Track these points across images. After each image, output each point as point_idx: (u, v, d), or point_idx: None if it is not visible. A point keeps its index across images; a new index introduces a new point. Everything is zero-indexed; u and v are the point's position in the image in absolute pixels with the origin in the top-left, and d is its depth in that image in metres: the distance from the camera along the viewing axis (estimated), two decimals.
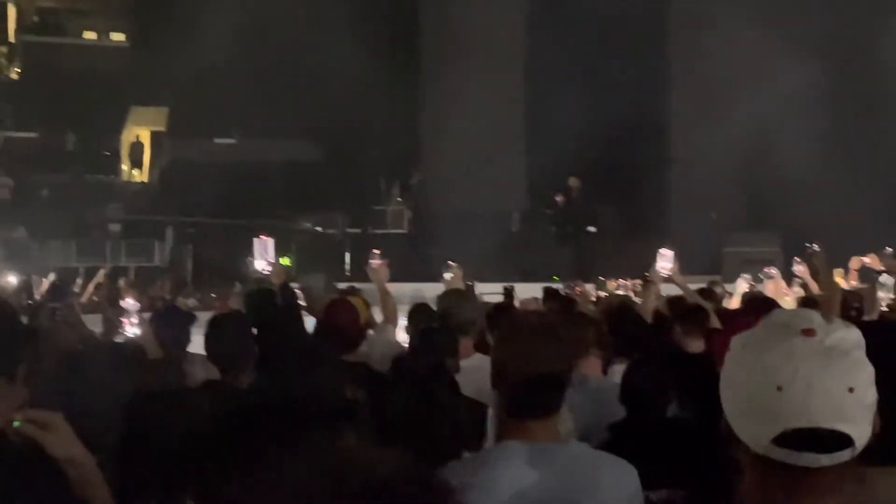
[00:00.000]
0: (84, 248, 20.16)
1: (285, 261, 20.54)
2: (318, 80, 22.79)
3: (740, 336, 1.65)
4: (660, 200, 19.93)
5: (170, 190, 23.55)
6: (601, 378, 4.71)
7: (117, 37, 26.90)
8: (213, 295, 13.65)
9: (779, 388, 1.54)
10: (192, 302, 13.85)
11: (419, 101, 22.07)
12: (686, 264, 17.13)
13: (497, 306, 6.65)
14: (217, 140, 24.51)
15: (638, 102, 18.47)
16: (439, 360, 4.12)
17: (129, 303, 4.74)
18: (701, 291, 7.34)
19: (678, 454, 3.60)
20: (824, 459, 1.55)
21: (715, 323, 6.00)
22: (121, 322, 4.65)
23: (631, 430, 3.70)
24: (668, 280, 6.52)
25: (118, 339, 4.73)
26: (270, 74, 23.43)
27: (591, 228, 18.08)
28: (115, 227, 21.16)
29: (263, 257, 5.54)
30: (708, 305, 6.24)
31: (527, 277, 15.32)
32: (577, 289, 11.57)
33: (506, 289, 7.64)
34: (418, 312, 6.52)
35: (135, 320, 4.63)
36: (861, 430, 1.55)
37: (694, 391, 3.76)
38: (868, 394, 1.56)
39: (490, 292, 9.91)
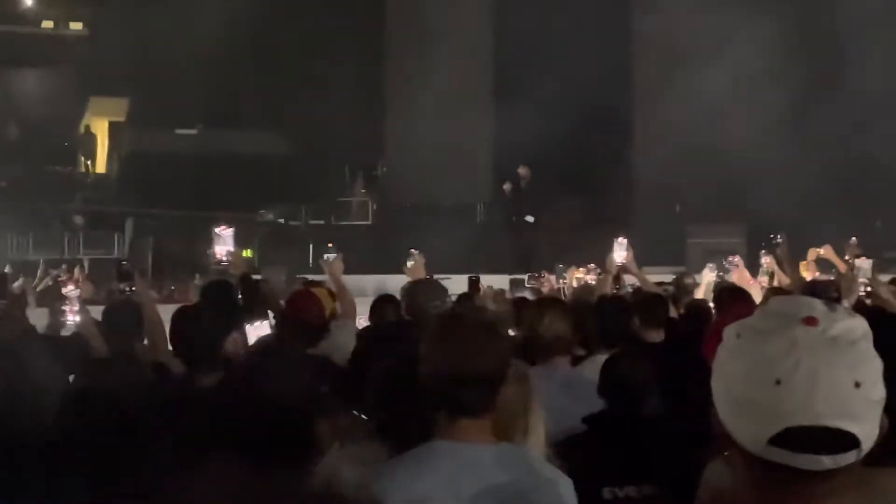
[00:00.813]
0: (41, 240, 19.81)
1: (248, 253, 20.34)
2: (282, 71, 22.56)
3: (735, 325, 1.48)
4: (623, 191, 19.92)
5: (130, 181, 23.21)
6: (570, 370, 4.60)
7: (76, 26, 26.45)
8: (172, 287, 13.43)
9: (777, 382, 1.38)
10: (152, 294, 13.59)
11: (384, 91, 21.90)
12: (650, 255, 17.19)
13: (461, 297, 6.54)
14: (178, 131, 24.17)
15: (602, 92, 18.41)
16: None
17: (70, 290, 4.57)
18: (673, 282, 7.28)
19: (652, 450, 3.50)
20: (827, 461, 1.39)
21: (672, 312, 5.92)
22: (63, 312, 4.48)
23: (608, 423, 3.59)
24: (623, 269, 6.47)
25: (63, 333, 4.56)
26: (233, 64, 23.14)
27: (529, 218, 17.93)
28: (78, 220, 20.81)
29: (223, 248, 5.37)
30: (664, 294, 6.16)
31: (492, 269, 15.22)
32: (543, 280, 11.48)
33: (471, 279, 7.52)
34: (382, 304, 6.40)
35: (76, 308, 4.46)
36: (868, 430, 1.39)
37: (671, 385, 3.66)
38: (876, 389, 1.39)
39: (455, 284, 9.80)
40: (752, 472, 1.44)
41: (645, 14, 19.78)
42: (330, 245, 6.21)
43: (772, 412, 1.38)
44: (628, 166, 20.42)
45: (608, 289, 6.26)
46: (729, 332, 1.48)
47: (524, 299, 7.57)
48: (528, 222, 17.83)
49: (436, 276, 7.53)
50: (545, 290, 8.34)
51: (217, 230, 5.45)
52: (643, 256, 17.82)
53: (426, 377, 2.63)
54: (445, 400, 2.61)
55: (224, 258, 5.39)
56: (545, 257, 15.36)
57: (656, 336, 5.39)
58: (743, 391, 1.42)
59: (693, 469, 2.58)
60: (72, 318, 4.43)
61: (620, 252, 6.36)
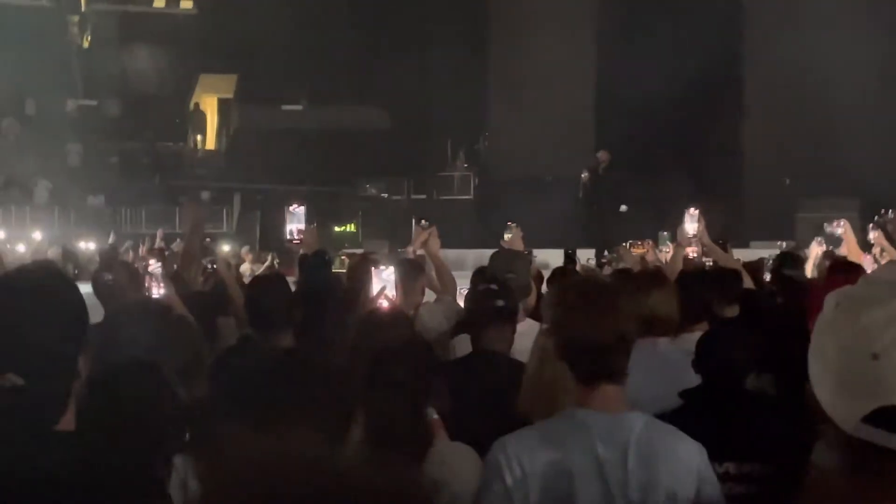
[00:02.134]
0: (153, 214, 20.37)
1: (351, 227, 20.59)
2: (385, 46, 22.67)
3: (834, 293, 1.38)
4: (732, 165, 19.47)
5: (237, 157, 23.66)
6: (670, 346, 4.50)
7: (186, 4, 27.01)
8: (277, 261, 13.65)
9: (874, 357, 1.28)
10: (258, 268, 13.87)
11: (487, 66, 21.81)
12: (759, 229, 16.73)
13: (558, 270, 6.46)
14: (284, 107, 24.54)
15: (710, 63, 17.97)
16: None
17: (154, 265, 4.65)
18: (786, 256, 7.05)
19: (752, 426, 3.41)
20: None
21: (748, 284, 5.72)
22: (149, 286, 4.57)
23: (705, 398, 3.51)
24: (695, 241, 6.23)
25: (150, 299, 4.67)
26: (338, 41, 23.35)
27: (623, 207, 16.96)
28: (204, 195, 21.28)
29: (295, 225, 5.40)
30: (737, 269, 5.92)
31: (594, 243, 15.07)
32: (646, 248, 11.22)
33: (567, 253, 7.40)
34: (480, 276, 6.36)
35: (161, 283, 4.55)
36: None
37: (774, 359, 3.55)
38: None
39: (556, 259, 9.74)
40: (846, 452, 1.34)
41: None
42: (424, 221, 6.16)
43: (867, 388, 1.29)
44: (737, 139, 19.94)
45: (680, 262, 6.04)
46: (829, 300, 1.38)
47: (627, 272, 7.38)
48: (620, 212, 16.89)
49: (531, 253, 7.47)
50: (649, 259, 8.12)
51: (289, 208, 5.49)
52: (751, 230, 17.45)
53: (565, 344, 2.63)
54: (589, 366, 2.60)
55: (296, 235, 5.43)
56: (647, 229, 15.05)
57: (730, 311, 5.22)
58: (837, 365, 1.33)
59: (796, 447, 2.50)
60: (157, 292, 4.52)
61: (692, 224, 6.12)
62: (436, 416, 2.98)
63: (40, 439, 1.86)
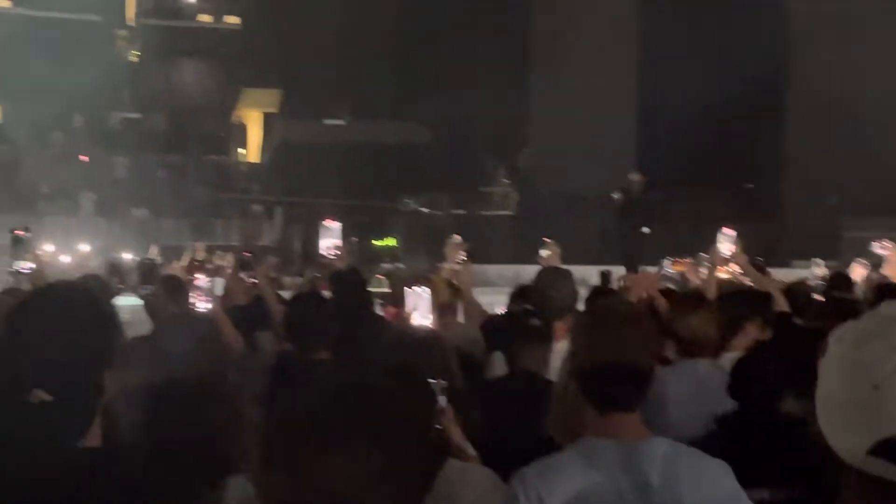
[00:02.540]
0: (197, 226, 20.58)
1: (390, 241, 20.66)
2: (428, 61, 22.77)
3: (840, 328, 1.40)
4: (774, 181, 19.28)
5: (280, 170, 23.87)
6: (711, 368, 4.46)
7: (231, 19, 27.34)
8: (317, 275, 13.69)
9: (875, 388, 1.28)
10: (298, 281, 13.94)
11: (528, 81, 21.82)
12: (802, 249, 16.53)
13: (593, 292, 6.42)
14: (327, 121, 24.72)
15: (752, 83, 17.84)
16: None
17: (200, 279, 4.70)
18: (838, 277, 6.94)
19: (786, 453, 3.37)
20: None
21: (783, 306, 5.64)
22: (194, 299, 4.62)
23: (740, 424, 3.48)
24: (729, 261, 6.14)
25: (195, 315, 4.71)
26: (380, 56, 23.50)
27: (645, 229, 16.51)
28: (257, 209, 21.47)
29: (330, 240, 5.43)
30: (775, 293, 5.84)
31: (633, 261, 14.98)
32: (689, 266, 11.13)
33: (603, 273, 7.32)
34: (521, 294, 6.32)
35: (206, 297, 4.60)
36: None
37: (809, 383, 3.51)
38: None
39: (596, 274, 9.69)
40: (853, 485, 1.33)
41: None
42: (458, 238, 6.16)
43: (869, 421, 1.29)
44: (780, 155, 19.76)
45: (714, 283, 5.96)
46: (833, 334, 1.39)
47: (670, 291, 7.28)
48: (643, 233, 16.40)
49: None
50: (691, 278, 8.04)
51: (324, 223, 5.50)
52: (794, 249, 17.24)
53: (576, 371, 2.62)
54: (597, 394, 2.59)
55: (331, 251, 5.45)
56: (686, 246, 14.91)
57: (764, 334, 5.16)
58: (839, 397, 1.33)
59: (830, 472, 2.47)
60: (202, 306, 4.56)
61: (727, 244, 6.02)
62: (445, 405, 2.95)
63: (66, 455, 1.89)
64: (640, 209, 16.65)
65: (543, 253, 6.14)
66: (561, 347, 4.27)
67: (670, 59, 18.87)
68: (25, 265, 4.33)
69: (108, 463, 1.91)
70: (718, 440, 3.29)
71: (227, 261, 9.35)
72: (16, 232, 4.87)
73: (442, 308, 5.17)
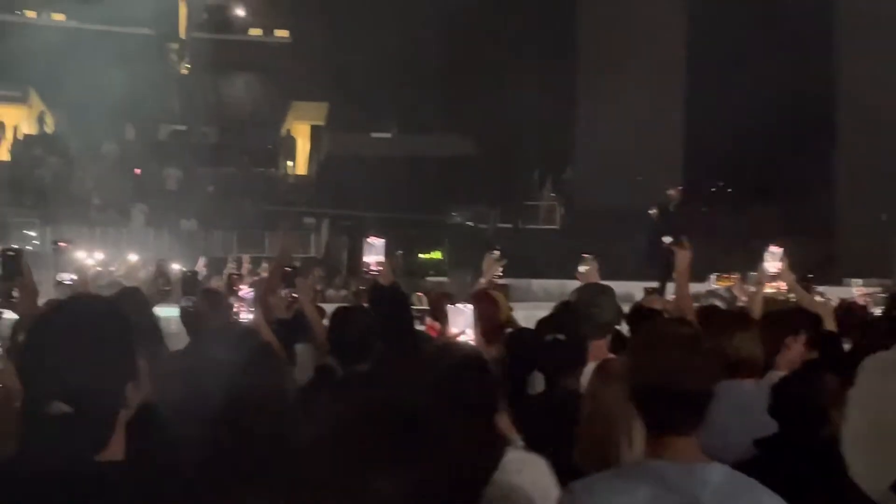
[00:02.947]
0: (245, 238, 20.76)
1: (437, 254, 20.67)
2: (473, 75, 22.80)
3: (871, 357, 1.35)
4: (825, 199, 19.01)
5: (327, 183, 24.01)
6: (753, 389, 4.38)
7: (281, 33, 27.60)
8: (362, 288, 13.74)
9: None
10: (343, 293, 14.01)
11: (573, 95, 21.77)
12: (853, 266, 16.25)
13: (639, 310, 6.33)
14: (374, 135, 24.84)
15: (802, 99, 17.63)
16: None
17: (243, 290, 4.72)
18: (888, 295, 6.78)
19: (829, 478, 3.29)
20: None
21: (830, 326, 5.52)
22: (237, 310, 4.64)
23: (781, 447, 3.40)
24: (776, 279, 6.01)
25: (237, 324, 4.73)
26: (426, 70, 23.58)
27: (667, 239, 16.01)
28: (308, 220, 21.60)
29: (374, 257, 5.43)
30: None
31: (666, 277, 14.83)
32: (735, 283, 11.00)
33: (647, 290, 7.22)
34: (564, 310, 6.22)
35: (249, 308, 4.62)
36: None
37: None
38: None
39: (641, 290, 9.61)
40: None
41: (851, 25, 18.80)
42: (496, 252, 6.11)
43: (893, 455, 1.24)
44: (830, 173, 19.50)
45: (760, 302, 5.85)
46: (863, 364, 1.35)
47: (715, 308, 7.18)
48: (670, 247, 15.90)
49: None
50: (738, 294, 7.92)
51: (368, 240, 5.52)
52: (846, 268, 16.95)
53: (633, 392, 2.59)
54: (654, 416, 2.56)
55: (374, 267, 5.45)
56: (734, 263, 14.69)
57: (809, 354, 5.05)
58: (864, 428, 1.29)
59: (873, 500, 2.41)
60: (244, 316, 4.58)
61: (773, 261, 5.90)
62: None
63: (83, 468, 1.90)
64: (676, 224, 16.31)
65: (582, 269, 6.04)
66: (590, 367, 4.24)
67: (718, 75, 18.73)
68: (68, 276, 4.40)
69: (123, 477, 1.91)
70: (759, 464, 3.23)
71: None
72: (59, 243, 4.95)
73: (500, 326, 5.12)
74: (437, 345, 4.10)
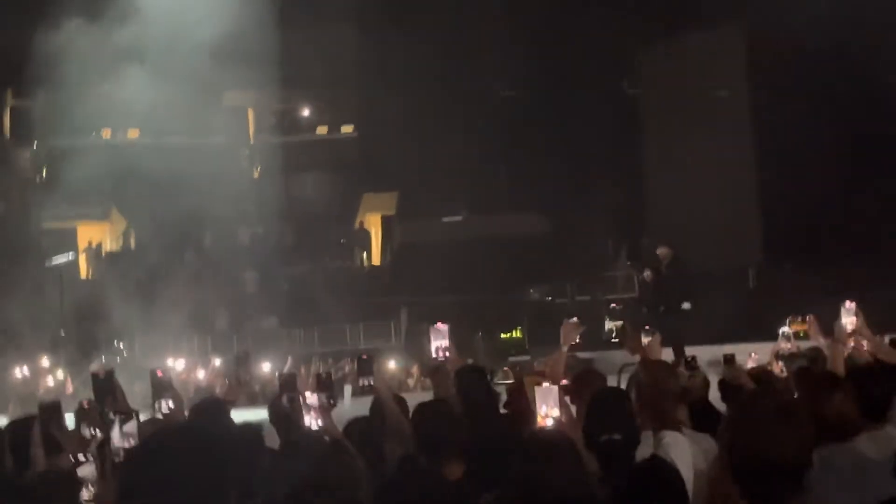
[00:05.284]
0: (325, 333, 20.94)
1: (517, 333, 20.58)
2: (539, 151, 22.94)
3: None
4: None
5: (402, 271, 24.18)
6: (855, 450, 4.25)
7: (346, 129, 28.19)
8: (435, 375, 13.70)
9: None
10: (426, 381, 13.99)
11: (642, 163, 21.75)
12: None
13: (728, 382, 6.22)
14: (445, 219, 25.05)
15: (876, 151, 17.28)
16: None
17: (311, 397, 4.74)
18: None
19: None
20: None
21: None
22: (308, 420, 4.65)
23: None
24: (853, 335, 5.85)
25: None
26: (493, 150, 23.80)
27: (686, 305, 15.37)
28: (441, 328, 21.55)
29: (440, 342, 5.44)
30: None
31: (768, 335, 14.51)
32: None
33: (726, 357, 7.03)
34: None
35: (316, 416, 4.63)
36: None
37: None
38: None
39: (731, 353, 9.40)
40: None
41: None
42: (574, 319, 5.99)
43: None
44: None
45: (840, 361, 5.68)
46: None
47: (808, 371, 6.91)
48: (683, 311, 15.31)
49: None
50: (813, 335, 7.62)
51: (434, 326, 5.54)
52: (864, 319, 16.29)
53: (732, 466, 2.56)
54: (754, 490, 2.52)
55: (440, 353, 5.46)
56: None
57: None
58: None
59: None
60: (314, 425, 4.60)
61: (849, 318, 5.77)
62: None
63: None
64: (671, 284, 15.67)
65: (645, 340, 5.88)
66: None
67: (790, 130, 18.52)
68: (166, 404, 4.56)
69: None
70: None
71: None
72: (158, 372, 5.11)
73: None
74: (525, 437, 4.04)
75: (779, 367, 8.67)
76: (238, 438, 4.34)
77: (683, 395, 5.11)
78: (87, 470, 3.17)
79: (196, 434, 2.17)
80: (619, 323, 5.81)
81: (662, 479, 3.59)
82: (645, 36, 21.38)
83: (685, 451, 3.88)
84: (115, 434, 4.47)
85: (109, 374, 4.74)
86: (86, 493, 3.06)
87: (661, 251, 15.87)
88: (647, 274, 16.07)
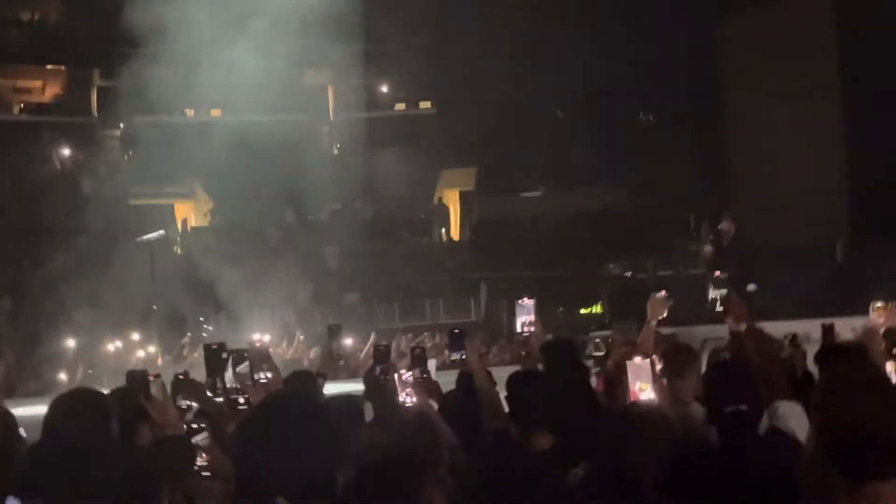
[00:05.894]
0: (406, 308, 21.11)
1: (597, 308, 20.48)
2: (620, 124, 22.73)
3: None
4: None
5: (481, 246, 24.21)
6: None
7: (425, 105, 28.22)
8: (524, 353, 13.69)
9: None
10: (508, 357, 14.04)
11: (725, 134, 21.38)
12: None
13: (828, 349, 6.12)
14: (524, 194, 24.99)
15: None
16: None
17: (406, 374, 4.76)
18: None
19: None
20: None
21: None
22: (402, 397, 4.69)
23: None
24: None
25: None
26: (570, 124, 23.64)
27: (751, 287, 14.83)
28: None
29: (525, 317, 5.44)
30: None
31: (854, 310, 14.21)
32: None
33: (824, 326, 6.92)
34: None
35: (412, 390, 4.67)
36: None
37: None
38: None
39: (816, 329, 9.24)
40: None
41: None
42: (663, 293, 5.94)
43: None
44: None
45: (878, 348, 5.49)
46: None
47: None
48: (748, 291, 14.90)
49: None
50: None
51: (519, 301, 5.54)
52: None
53: (825, 442, 2.54)
54: (851, 464, 2.49)
55: (526, 328, 5.47)
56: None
57: None
58: None
59: None
60: (409, 401, 4.64)
61: None
62: None
63: None
64: (732, 260, 15.19)
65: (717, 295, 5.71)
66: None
67: (876, 102, 18.05)
68: (263, 375, 4.60)
69: None
70: None
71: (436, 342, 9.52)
72: (255, 343, 5.15)
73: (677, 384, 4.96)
74: (617, 413, 4.06)
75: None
76: (341, 410, 4.42)
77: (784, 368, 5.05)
78: (199, 437, 3.28)
79: (307, 403, 2.23)
80: (724, 291, 5.64)
81: (784, 450, 3.58)
82: (731, 4, 20.99)
83: (803, 420, 3.78)
84: (228, 376, 4.62)
85: (221, 346, 4.80)
86: (199, 460, 3.18)
87: (724, 226, 15.48)
88: (707, 249, 15.68)
